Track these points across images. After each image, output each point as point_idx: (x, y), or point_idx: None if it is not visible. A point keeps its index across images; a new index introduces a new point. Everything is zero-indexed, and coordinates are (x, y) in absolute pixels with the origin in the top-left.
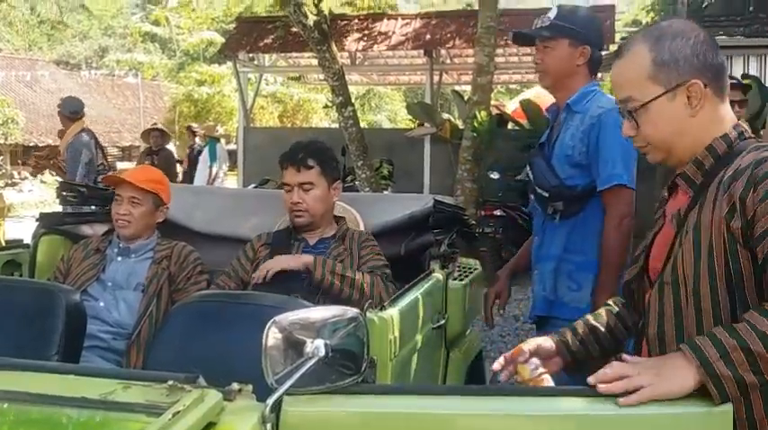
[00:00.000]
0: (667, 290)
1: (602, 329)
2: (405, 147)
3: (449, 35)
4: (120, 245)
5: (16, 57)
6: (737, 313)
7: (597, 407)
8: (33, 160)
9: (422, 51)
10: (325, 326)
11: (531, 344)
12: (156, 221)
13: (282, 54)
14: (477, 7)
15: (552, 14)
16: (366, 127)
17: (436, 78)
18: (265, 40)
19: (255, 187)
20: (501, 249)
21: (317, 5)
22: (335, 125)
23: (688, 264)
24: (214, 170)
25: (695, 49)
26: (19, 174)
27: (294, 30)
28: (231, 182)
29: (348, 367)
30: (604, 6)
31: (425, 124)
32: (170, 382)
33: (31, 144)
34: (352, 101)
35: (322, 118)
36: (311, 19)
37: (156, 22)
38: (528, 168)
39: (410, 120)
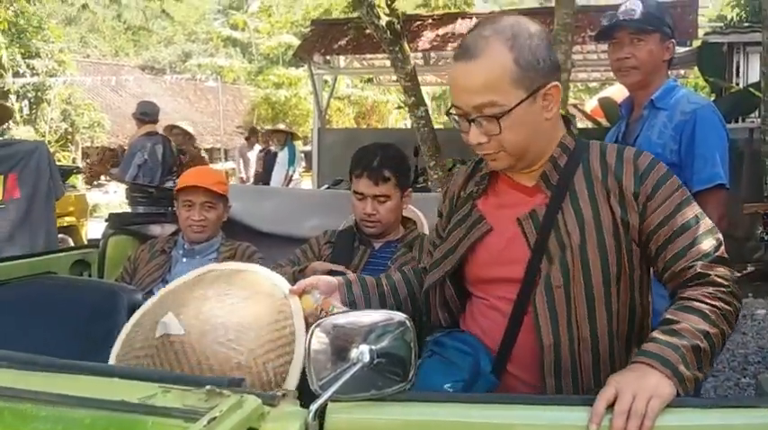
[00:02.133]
0: (558, 293)
1: (386, 288)
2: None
3: None
4: (186, 246)
5: (103, 62)
6: (617, 307)
7: None
8: (87, 167)
9: None
10: (372, 330)
11: (314, 278)
12: (222, 221)
13: (356, 55)
14: (553, 4)
15: (637, 7)
16: (441, 128)
17: None
18: (339, 42)
19: (328, 187)
20: None
21: (389, 6)
22: (410, 127)
23: (577, 268)
24: (290, 172)
25: (549, 48)
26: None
27: (367, 31)
28: (306, 183)
29: (395, 373)
30: (687, 1)
31: None
32: (208, 387)
33: (117, 147)
34: (426, 101)
35: (397, 119)
36: (384, 19)
37: (236, 26)
38: None
39: None
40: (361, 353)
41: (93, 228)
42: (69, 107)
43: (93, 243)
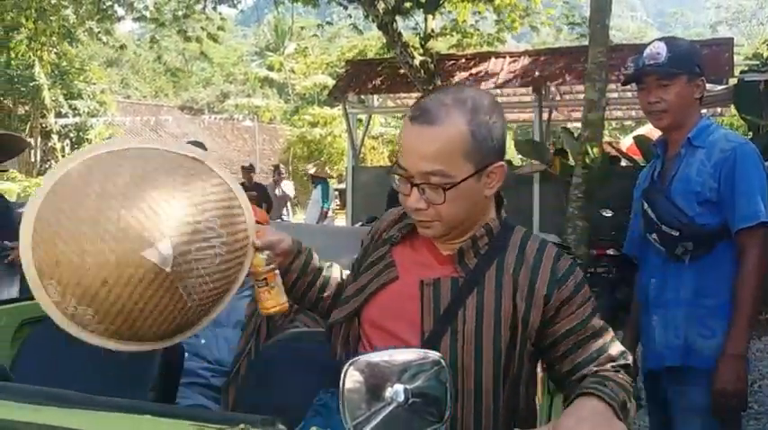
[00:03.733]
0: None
1: (318, 281)
2: (514, 185)
3: (558, 71)
4: None
5: (143, 103)
6: (503, 400)
7: None
8: None
9: (530, 88)
10: (406, 369)
11: (281, 235)
12: None
13: (390, 94)
14: (587, 43)
15: (662, 50)
16: None
17: (545, 115)
18: (373, 82)
19: (362, 225)
20: (615, 289)
21: (423, 46)
22: None
23: (468, 354)
24: (324, 209)
25: (504, 128)
26: None
27: (401, 71)
28: (340, 220)
29: (430, 414)
30: (723, 39)
31: (534, 161)
32: (242, 426)
33: None
34: None
35: None
36: (417, 59)
37: (272, 67)
38: (644, 205)
39: (520, 158)
40: (396, 392)
41: None
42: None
43: None
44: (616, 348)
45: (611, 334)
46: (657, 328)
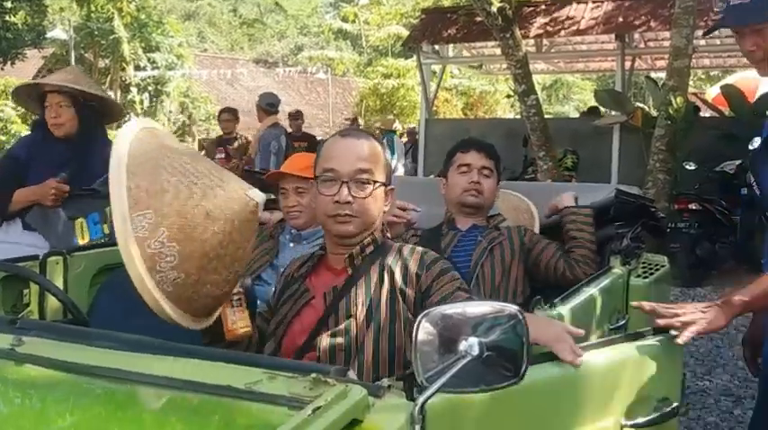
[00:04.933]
0: (340, 356)
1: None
2: (592, 137)
3: (642, 17)
4: (293, 231)
5: (219, 56)
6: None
7: None
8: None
9: (613, 36)
10: (482, 322)
11: None
12: None
13: (465, 44)
14: None
15: None
16: (551, 117)
17: (628, 64)
18: (449, 31)
19: (434, 177)
20: (696, 246)
21: None
22: (519, 116)
23: (362, 331)
24: (393, 163)
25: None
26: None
27: (477, 18)
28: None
29: (506, 368)
30: None
31: (614, 112)
32: (313, 375)
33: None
34: (537, 90)
35: (506, 109)
36: (495, 5)
37: (346, 19)
38: (750, 178)
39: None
40: (470, 345)
41: None
42: (187, 100)
43: None
44: None
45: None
46: None
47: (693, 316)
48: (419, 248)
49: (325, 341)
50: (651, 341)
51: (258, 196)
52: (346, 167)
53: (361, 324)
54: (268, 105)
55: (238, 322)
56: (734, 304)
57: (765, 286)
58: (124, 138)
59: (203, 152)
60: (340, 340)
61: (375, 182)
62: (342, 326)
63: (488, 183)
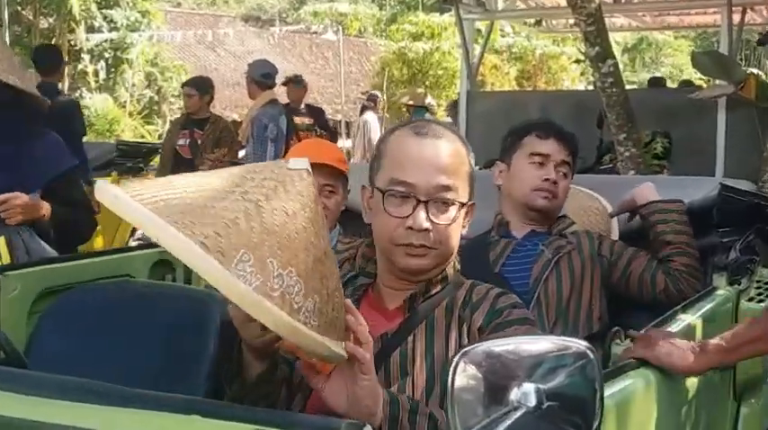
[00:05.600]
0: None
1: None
2: (689, 114)
3: None
4: None
5: (196, 12)
6: None
7: None
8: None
9: None
10: (540, 363)
11: None
12: (340, 210)
13: None
14: None
15: None
16: (635, 88)
17: (736, 18)
18: None
19: (480, 169)
20: None
21: None
22: (592, 88)
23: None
24: None
25: None
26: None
27: None
28: None
29: (572, 423)
30: None
31: (719, 82)
32: None
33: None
34: (615, 53)
35: (574, 79)
36: None
37: None
38: None
39: (700, 79)
40: (525, 393)
41: None
42: (155, 70)
43: None
44: None
45: None
46: None
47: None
48: (494, 290)
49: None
50: None
51: (300, 162)
52: (424, 182)
53: (420, 387)
54: (263, 77)
55: None
56: (708, 352)
57: (751, 334)
58: (129, 207)
59: (206, 154)
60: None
61: (460, 203)
62: (394, 388)
63: (564, 183)
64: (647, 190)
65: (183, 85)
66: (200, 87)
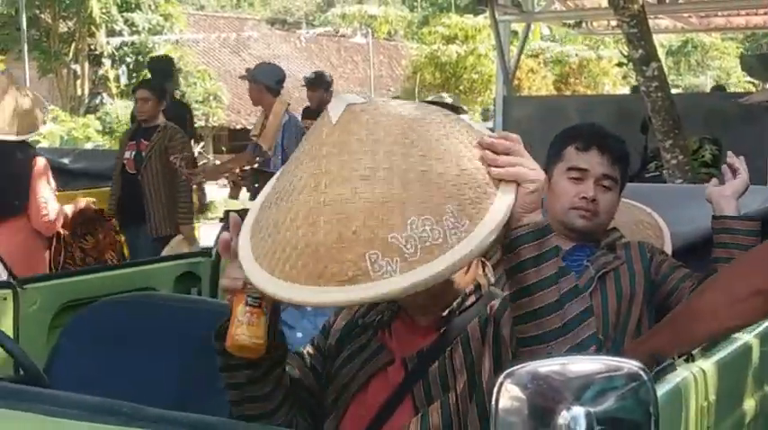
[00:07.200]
0: None
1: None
2: (740, 120)
3: None
4: None
5: (221, 15)
6: None
7: None
8: (232, 176)
9: None
10: (589, 384)
11: None
12: None
13: None
14: None
15: None
16: (681, 92)
17: None
18: None
19: None
20: None
21: None
22: (635, 92)
23: (462, 410)
24: None
25: None
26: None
27: None
28: None
29: None
30: None
31: None
32: None
33: (238, 127)
34: (660, 56)
35: (616, 83)
36: None
37: None
38: None
39: (750, 83)
40: (574, 417)
41: (205, 233)
42: (178, 75)
43: (204, 251)
44: None
45: None
46: None
47: None
48: None
49: (414, 424)
50: None
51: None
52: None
53: (463, 398)
54: (277, 83)
55: (248, 328)
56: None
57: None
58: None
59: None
60: (436, 421)
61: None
62: (437, 403)
63: (607, 198)
64: (728, 202)
65: (136, 88)
66: (157, 91)
